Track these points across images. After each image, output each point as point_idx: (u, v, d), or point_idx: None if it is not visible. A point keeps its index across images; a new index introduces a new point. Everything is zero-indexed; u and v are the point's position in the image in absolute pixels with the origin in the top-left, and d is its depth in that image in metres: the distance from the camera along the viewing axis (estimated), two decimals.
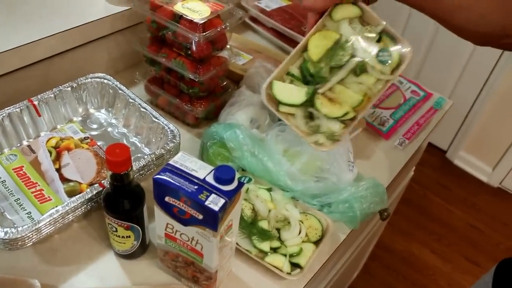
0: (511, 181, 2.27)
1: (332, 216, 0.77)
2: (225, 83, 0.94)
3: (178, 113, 0.94)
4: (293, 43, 1.17)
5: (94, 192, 0.69)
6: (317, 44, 0.73)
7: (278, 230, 0.73)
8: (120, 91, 0.87)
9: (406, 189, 1.37)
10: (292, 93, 0.74)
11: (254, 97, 0.89)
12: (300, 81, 0.75)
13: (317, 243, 0.72)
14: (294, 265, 0.70)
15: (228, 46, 0.89)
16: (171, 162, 0.58)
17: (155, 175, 0.57)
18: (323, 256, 0.74)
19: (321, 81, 0.73)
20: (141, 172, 0.75)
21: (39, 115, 0.84)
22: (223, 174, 0.56)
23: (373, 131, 1.00)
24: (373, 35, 0.72)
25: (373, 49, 0.72)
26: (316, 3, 0.72)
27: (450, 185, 2.31)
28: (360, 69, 0.71)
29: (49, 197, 0.75)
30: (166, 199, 0.58)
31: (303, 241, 0.71)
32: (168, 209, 0.59)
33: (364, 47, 0.72)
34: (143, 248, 0.71)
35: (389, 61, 0.72)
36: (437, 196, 2.24)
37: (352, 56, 0.72)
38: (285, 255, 0.69)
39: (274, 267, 0.68)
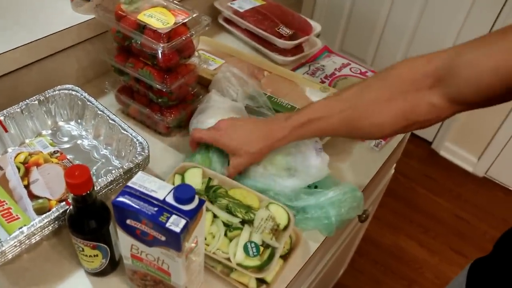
0: (496, 171, 2.28)
1: (306, 225, 0.76)
2: (196, 90, 0.93)
3: (150, 122, 0.93)
4: (266, 43, 1.16)
5: (61, 211, 0.68)
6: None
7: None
8: (88, 103, 0.86)
9: (392, 182, 1.37)
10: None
11: (223, 101, 0.88)
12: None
13: (285, 256, 0.72)
14: (261, 281, 0.69)
15: (196, 53, 0.88)
16: (129, 184, 0.57)
17: (114, 199, 0.56)
18: (295, 267, 0.74)
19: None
20: (109, 187, 0.73)
21: (6, 131, 0.82)
22: (182, 193, 0.55)
23: None
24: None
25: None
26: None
27: (436, 176, 2.31)
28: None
29: (17, 215, 0.73)
30: (128, 221, 0.57)
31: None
32: (131, 231, 0.58)
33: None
34: (113, 265, 0.70)
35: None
36: (423, 188, 2.24)
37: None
38: None
39: (240, 283, 0.68)
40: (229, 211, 0.72)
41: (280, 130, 0.75)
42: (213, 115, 0.85)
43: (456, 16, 1.97)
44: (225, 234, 0.70)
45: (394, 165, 1.29)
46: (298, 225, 0.76)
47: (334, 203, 0.75)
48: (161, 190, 0.56)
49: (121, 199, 0.55)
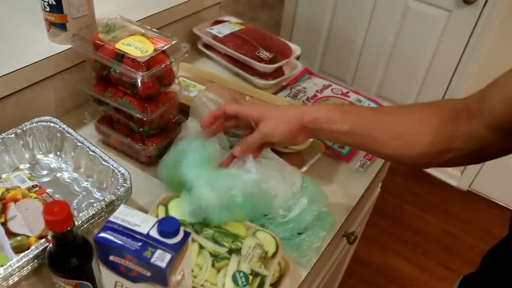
0: (479, 184, 2.30)
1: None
2: (177, 117, 0.91)
3: (131, 152, 0.91)
4: (246, 68, 1.16)
5: (41, 249, 0.65)
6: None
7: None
8: (67, 134, 0.84)
9: (378, 200, 1.36)
10: None
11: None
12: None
13: (275, 284, 0.70)
14: None
15: (177, 80, 0.87)
16: (111, 218, 0.55)
17: (96, 235, 0.54)
18: None
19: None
20: (91, 221, 0.71)
21: None
22: (167, 227, 0.53)
23: (333, 155, 0.99)
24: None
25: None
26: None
27: (421, 192, 2.32)
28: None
29: None
30: (111, 258, 0.55)
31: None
32: (114, 267, 0.55)
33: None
34: None
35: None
36: (409, 204, 2.25)
37: None
38: None
39: None
40: (215, 240, 0.70)
41: (320, 112, 0.73)
42: None
43: (432, 34, 2.01)
44: (213, 265, 0.68)
45: (380, 183, 1.29)
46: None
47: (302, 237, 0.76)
48: (145, 224, 0.54)
49: (103, 235, 0.53)
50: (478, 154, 0.65)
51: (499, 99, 0.58)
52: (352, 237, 0.98)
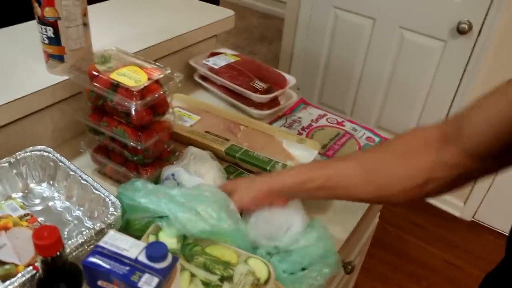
0: (483, 214, 2.27)
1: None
2: (171, 146, 0.92)
3: (126, 181, 0.90)
4: (242, 98, 1.17)
5: (27, 276, 0.64)
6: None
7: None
8: (60, 163, 0.84)
9: (379, 231, 1.35)
10: None
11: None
12: None
13: None
14: None
15: (171, 110, 0.88)
16: (100, 243, 0.55)
17: (84, 259, 0.53)
18: None
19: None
20: (80, 249, 0.70)
21: None
22: (155, 251, 0.53)
23: None
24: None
25: None
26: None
27: (424, 223, 2.29)
28: None
29: None
30: (99, 283, 0.54)
31: None
32: None
33: None
34: None
35: None
36: (411, 236, 2.22)
37: None
38: None
39: None
40: (207, 268, 0.69)
41: (286, 179, 0.77)
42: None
43: (429, 63, 2.04)
44: None
45: (378, 213, 1.28)
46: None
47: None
48: (133, 249, 0.54)
49: (91, 259, 0.53)
50: (460, 180, 0.64)
51: (483, 122, 0.58)
52: (350, 267, 0.97)
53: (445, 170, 0.63)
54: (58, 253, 0.57)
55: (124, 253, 0.54)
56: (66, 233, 0.79)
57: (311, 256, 0.75)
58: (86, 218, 0.82)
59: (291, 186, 0.77)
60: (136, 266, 0.53)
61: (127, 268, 0.52)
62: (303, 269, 0.75)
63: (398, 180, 0.67)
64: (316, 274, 0.74)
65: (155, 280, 0.51)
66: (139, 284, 0.51)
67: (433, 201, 2.37)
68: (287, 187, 0.77)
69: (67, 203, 0.85)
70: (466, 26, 1.83)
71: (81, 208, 0.84)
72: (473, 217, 2.31)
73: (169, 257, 0.54)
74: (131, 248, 0.54)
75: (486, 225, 2.29)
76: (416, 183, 0.66)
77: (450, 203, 2.33)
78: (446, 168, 0.63)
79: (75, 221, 0.82)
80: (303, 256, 0.75)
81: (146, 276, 0.52)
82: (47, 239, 0.55)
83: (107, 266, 0.53)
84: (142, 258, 0.53)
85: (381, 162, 0.70)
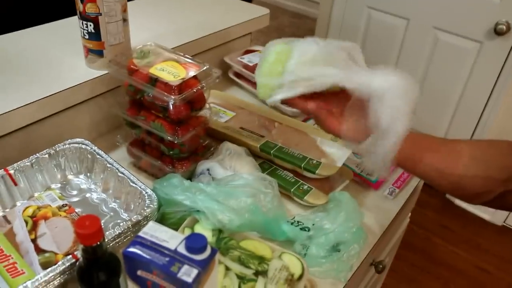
0: None
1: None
2: (207, 142, 0.93)
3: (161, 175, 0.92)
4: None
5: (67, 265, 0.66)
6: None
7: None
8: (98, 156, 0.86)
9: (408, 233, 1.33)
10: None
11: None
12: None
13: None
14: None
15: (207, 105, 0.88)
16: (140, 233, 0.56)
17: (125, 249, 0.54)
18: None
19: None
20: (117, 240, 0.72)
21: (15, 184, 0.82)
22: (194, 243, 0.53)
23: (361, 182, 0.98)
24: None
25: None
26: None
27: (453, 226, 2.25)
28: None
29: (22, 270, 0.71)
30: (139, 272, 0.55)
31: None
32: (141, 282, 0.56)
33: None
34: None
35: None
36: (440, 239, 2.18)
37: None
38: None
39: None
40: (241, 262, 0.70)
41: None
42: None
43: (463, 66, 2.00)
44: (239, 287, 0.67)
45: (409, 214, 1.27)
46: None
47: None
48: (173, 240, 0.55)
49: (132, 249, 0.54)
50: None
51: None
52: (381, 266, 0.96)
53: None
54: (98, 243, 0.58)
55: (164, 244, 0.55)
56: (102, 224, 0.80)
57: (343, 237, 0.75)
58: (122, 210, 0.84)
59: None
60: (175, 257, 0.53)
61: (167, 259, 0.53)
62: (338, 250, 0.76)
63: (492, 167, 0.65)
64: (349, 254, 0.75)
65: (195, 271, 0.52)
66: (179, 275, 0.52)
67: (463, 204, 2.32)
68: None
69: (104, 195, 0.87)
70: (504, 27, 1.79)
71: (117, 200, 0.85)
72: (504, 222, 2.26)
73: (208, 249, 0.54)
74: (171, 239, 0.55)
75: None
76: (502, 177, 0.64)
77: (480, 207, 2.28)
78: None
79: (111, 213, 0.83)
80: (335, 237, 0.75)
81: (185, 267, 0.52)
82: (89, 228, 0.57)
83: (148, 257, 0.53)
84: (182, 249, 0.54)
85: (481, 147, 0.67)
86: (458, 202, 2.34)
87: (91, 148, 0.87)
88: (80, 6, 0.90)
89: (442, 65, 2.07)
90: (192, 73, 0.82)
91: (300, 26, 4.10)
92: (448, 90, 2.10)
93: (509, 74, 1.88)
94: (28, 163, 0.83)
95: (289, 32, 3.91)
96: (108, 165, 0.84)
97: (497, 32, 1.82)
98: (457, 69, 2.03)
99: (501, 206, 0.67)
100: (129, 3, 0.96)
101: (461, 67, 2.01)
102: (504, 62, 1.88)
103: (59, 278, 0.66)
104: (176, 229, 0.73)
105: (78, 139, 0.89)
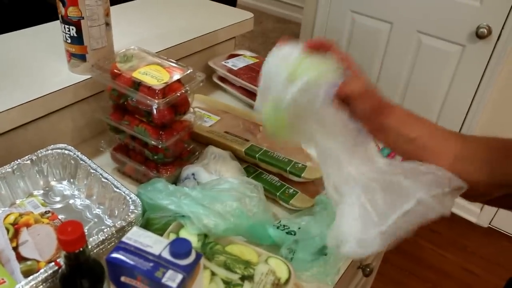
0: (500, 220, 2.24)
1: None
2: (191, 146, 0.92)
3: (146, 180, 0.91)
4: None
5: (50, 272, 0.64)
6: None
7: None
8: (81, 162, 0.85)
9: None
10: None
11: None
12: None
13: None
14: None
15: (192, 109, 0.88)
16: (124, 239, 0.55)
17: (108, 255, 0.53)
18: None
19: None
20: (101, 246, 0.71)
21: None
22: (179, 248, 0.53)
23: None
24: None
25: None
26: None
27: (440, 228, 2.27)
28: None
29: (2, 279, 0.69)
30: (122, 279, 0.54)
31: None
32: None
33: None
34: None
35: None
36: (427, 241, 2.19)
37: None
38: None
39: None
40: (227, 267, 0.69)
41: None
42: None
43: (446, 68, 2.02)
44: None
45: None
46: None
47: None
48: (157, 245, 0.54)
49: (115, 255, 0.53)
50: None
51: None
52: (368, 269, 0.96)
53: None
54: (81, 249, 0.57)
55: (148, 249, 0.54)
56: (86, 231, 0.80)
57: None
58: (106, 216, 0.83)
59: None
60: (160, 263, 0.53)
61: (151, 264, 0.52)
62: (324, 254, 0.75)
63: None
64: (336, 257, 0.75)
65: (179, 276, 0.51)
66: (163, 280, 0.51)
67: None
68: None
69: (87, 201, 0.85)
70: (485, 30, 1.81)
71: (101, 206, 0.84)
72: (489, 223, 2.28)
73: (193, 254, 0.53)
74: (155, 244, 0.54)
75: (503, 232, 2.26)
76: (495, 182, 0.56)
77: (466, 209, 2.30)
78: None
79: (95, 219, 0.82)
80: (322, 241, 0.75)
81: (170, 273, 0.52)
82: (71, 235, 0.56)
83: (131, 262, 0.53)
84: (166, 255, 0.53)
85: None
86: None
87: (74, 154, 0.86)
88: (62, 10, 0.89)
89: (426, 69, 2.09)
90: (176, 77, 0.82)
91: (284, 30, 4.11)
92: (432, 93, 2.12)
93: (492, 77, 1.90)
94: (10, 169, 0.81)
95: (273, 37, 3.92)
96: (92, 171, 0.83)
97: (479, 36, 1.84)
98: (440, 72, 2.05)
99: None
100: (112, 7, 0.96)
101: (444, 70, 2.03)
102: (487, 65, 1.90)
103: (41, 286, 0.64)
104: (161, 235, 0.73)
105: (61, 145, 0.87)
